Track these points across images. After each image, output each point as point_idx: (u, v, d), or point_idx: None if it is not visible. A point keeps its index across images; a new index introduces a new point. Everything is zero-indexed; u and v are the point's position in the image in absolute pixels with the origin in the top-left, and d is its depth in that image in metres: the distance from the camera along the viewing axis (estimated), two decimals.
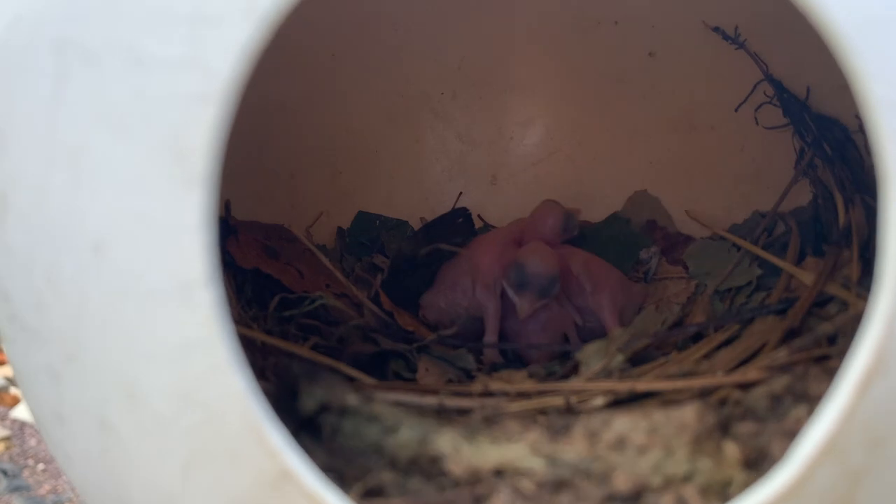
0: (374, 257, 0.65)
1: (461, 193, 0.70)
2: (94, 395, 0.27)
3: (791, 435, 0.30)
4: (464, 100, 0.70)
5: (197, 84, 0.22)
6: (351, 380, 0.43)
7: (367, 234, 0.68)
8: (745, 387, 0.36)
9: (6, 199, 0.28)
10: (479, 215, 0.70)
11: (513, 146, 0.71)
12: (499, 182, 0.71)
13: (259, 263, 0.55)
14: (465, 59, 0.69)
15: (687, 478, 0.28)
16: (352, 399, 0.30)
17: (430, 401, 0.37)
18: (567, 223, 0.60)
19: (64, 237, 0.26)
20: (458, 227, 0.60)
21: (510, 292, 0.53)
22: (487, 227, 0.70)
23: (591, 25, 0.66)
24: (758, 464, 0.29)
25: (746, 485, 0.27)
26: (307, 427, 0.31)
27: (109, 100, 0.23)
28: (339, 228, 0.67)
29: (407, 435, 0.30)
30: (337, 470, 0.29)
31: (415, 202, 0.70)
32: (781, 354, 0.37)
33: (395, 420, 0.30)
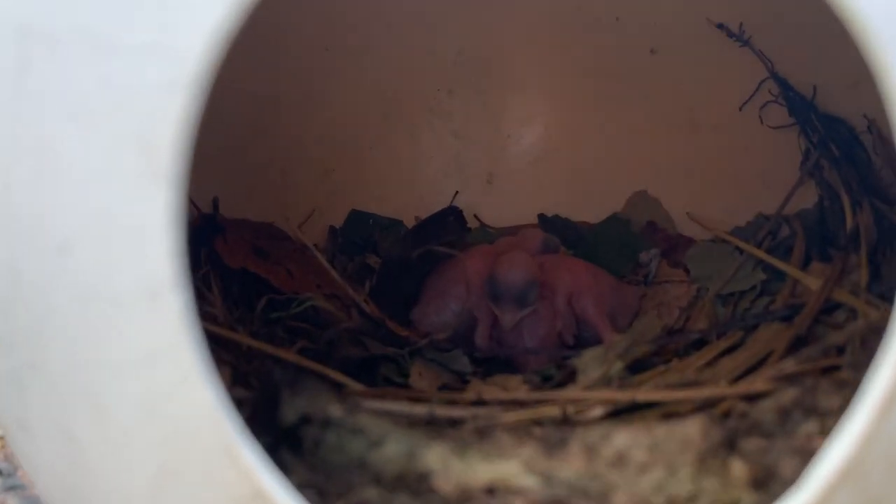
0: (368, 257, 0.64)
1: (457, 193, 0.69)
2: (59, 405, 0.26)
3: (801, 453, 0.28)
4: (461, 97, 0.68)
5: (165, 72, 0.20)
6: (338, 386, 0.42)
7: (360, 233, 0.66)
8: (751, 398, 0.35)
9: None
10: (475, 215, 0.68)
11: (510, 145, 0.69)
12: (495, 181, 0.70)
13: (247, 263, 0.53)
14: (462, 54, 0.67)
15: (691, 499, 0.26)
16: (335, 410, 0.28)
17: (419, 410, 0.35)
18: (546, 245, 0.58)
19: (28, 237, 0.24)
20: (449, 226, 0.58)
21: (491, 305, 0.51)
22: (483, 227, 0.68)
23: (591, 22, 0.64)
24: (766, 484, 0.27)
25: None
26: (288, 439, 0.29)
27: (74, 89, 0.22)
28: (332, 227, 0.65)
29: (393, 449, 0.28)
30: (318, 486, 0.27)
31: (409, 201, 0.68)
32: (788, 364, 0.35)
33: (381, 433, 0.28)
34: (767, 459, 0.28)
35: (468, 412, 0.36)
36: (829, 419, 0.30)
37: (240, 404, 0.31)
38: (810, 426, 0.30)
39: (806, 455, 0.28)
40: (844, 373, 0.34)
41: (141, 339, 0.22)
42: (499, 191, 0.69)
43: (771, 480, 0.27)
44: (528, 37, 0.66)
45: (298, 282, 0.54)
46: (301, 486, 0.26)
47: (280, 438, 0.29)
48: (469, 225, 0.66)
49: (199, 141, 0.60)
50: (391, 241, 0.63)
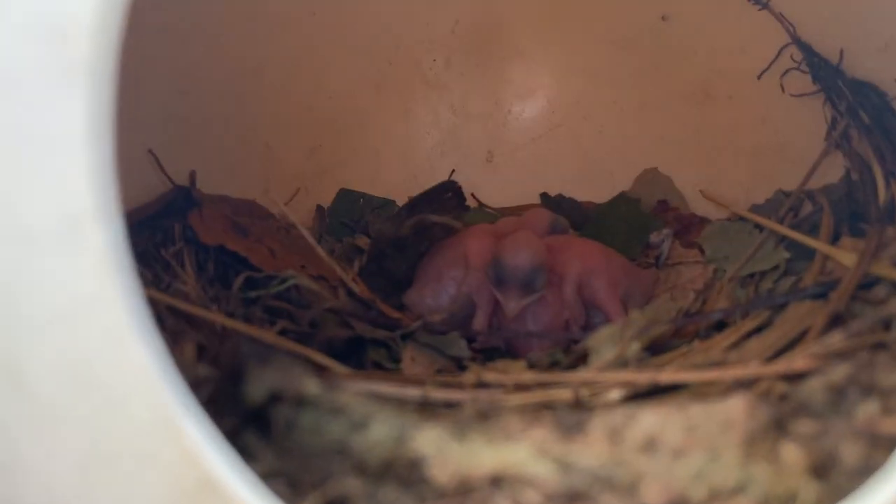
0: (357, 239, 0.59)
1: (454, 171, 0.64)
2: None
3: (864, 436, 0.24)
4: (458, 68, 0.64)
5: None
6: (321, 369, 0.37)
7: (349, 213, 0.62)
8: (791, 378, 0.30)
9: None
10: (473, 195, 0.64)
11: (511, 119, 0.65)
12: (495, 159, 0.65)
13: (224, 240, 0.49)
14: (459, 22, 0.63)
15: (739, 489, 0.22)
16: (311, 386, 0.24)
17: (412, 392, 0.31)
18: (554, 227, 0.54)
19: None
20: (446, 202, 0.54)
21: (494, 290, 0.47)
22: (482, 208, 0.64)
23: None
24: (827, 472, 0.22)
25: (817, 499, 0.21)
26: (254, 420, 0.25)
27: None
28: (319, 207, 0.61)
29: (380, 432, 0.23)
30: (289, 475, 0.23)
31: (403, 179, 0.64)
32: (835, 340, 0.31)
33: (366, 413, 0.24)
34: (824, 443, 0.23)
35: (468, 395, 0.31)
36: (892, 397, 0.26)
37: (202, 383, 0.26)
38: (871, 406, 0.25)
39: (871, 439, 0.24)
40: None
41: (58, 284, 0.17)
42: (499, 169, 0.65)
43: (832, 468, 0.22)
44: (529, 3, 0.62)
45: (281, 261, 0.50)
46: (267, 476, 0.21)
47: (245, 419, 0.24)
48: (467, 204, 0.62)
49: (175, 112, 0.55)
50: (383, 220, 0.58)
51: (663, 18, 0.59)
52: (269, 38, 0.58)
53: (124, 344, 0.17)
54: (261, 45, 0.58)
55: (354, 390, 0.29)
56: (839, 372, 0.27)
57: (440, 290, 0.50)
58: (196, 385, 0.27)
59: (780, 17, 0.54)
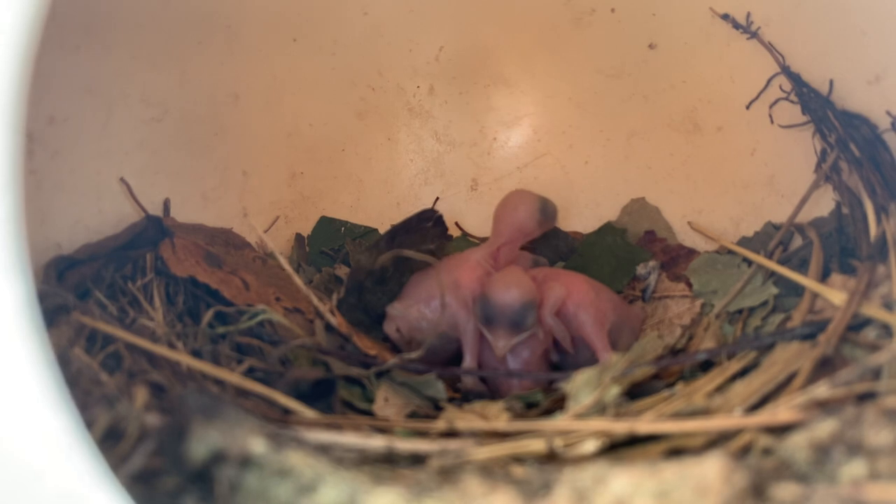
0: (337, 268, 0.58)
1: (438, 199, 0.63)
2: None
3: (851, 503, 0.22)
4: (442, 95, 0.63)
5: None
6: (286, 412, 0.36)
7: (329, 242, 0.60)
8: (775, 430, 0.29)
9: None
10: (456, 223, 0.62)
11: (496, 147, 0.64)
12: (480, 187, 0.64)
13: (196, 272, 0.47)
14: (444, 49, 0.61)
15: None
16: (257, 446, 0.22)
17: (376, 443, 0.29)
18: (544, 210, 0.52)
19: None
20: (428, 231, 0.52)
21: (482, 329, 0.45)
22: (466, 237, 0.63)
23: (585, 13, 0.59)
24: None
25: None
26: (200, 480, 0.23)
27: None
28: (298, 235, 0.60)
29: (329, 496, 0.22)
30: None
31: (385, 207, 0.63)
32: (821, 390, 0.29)
33: (315, 475, 0.22)
34: None
35: (435, 445, 0.30)
36: (880, 459, 0.24)
37: (146, 436, 0.25)
38: (856, 468, 0.24)
39: None
40: (889, 400, 0.28)
41: None
42: (483, 198, 0.63)
43: None
44: (515, 31, 0.60)
45: (255, 294, 0.48)
46: None
47: (188, 479, 0.23)
48: (450, 233, 0.60)
49: (148, 139, 0.53)
50: (361, 251, 0.57)
51: (650, 47, 0.58)
52: (247, 64, 0.57)
53: (35, 414, 0.15)
54: (239, 72, 0.57)
55: (309, 442, 0.28)
56: (824, 428, 0.26)
57: (425, 313, 0.49)
58: (141, 437, 0.25)
59: (770, 47, 0.53)
